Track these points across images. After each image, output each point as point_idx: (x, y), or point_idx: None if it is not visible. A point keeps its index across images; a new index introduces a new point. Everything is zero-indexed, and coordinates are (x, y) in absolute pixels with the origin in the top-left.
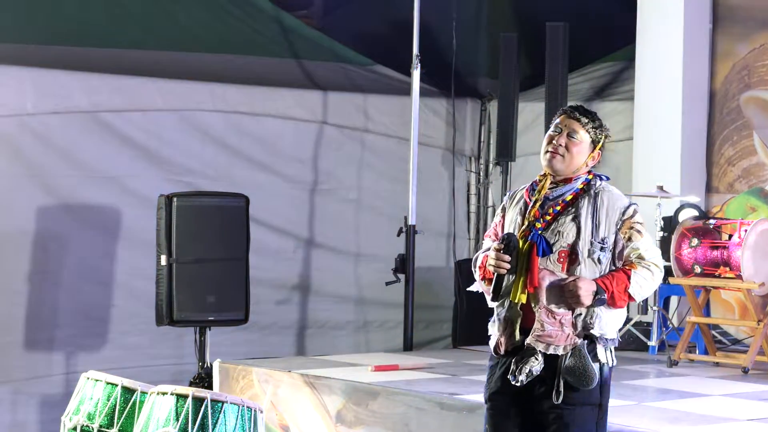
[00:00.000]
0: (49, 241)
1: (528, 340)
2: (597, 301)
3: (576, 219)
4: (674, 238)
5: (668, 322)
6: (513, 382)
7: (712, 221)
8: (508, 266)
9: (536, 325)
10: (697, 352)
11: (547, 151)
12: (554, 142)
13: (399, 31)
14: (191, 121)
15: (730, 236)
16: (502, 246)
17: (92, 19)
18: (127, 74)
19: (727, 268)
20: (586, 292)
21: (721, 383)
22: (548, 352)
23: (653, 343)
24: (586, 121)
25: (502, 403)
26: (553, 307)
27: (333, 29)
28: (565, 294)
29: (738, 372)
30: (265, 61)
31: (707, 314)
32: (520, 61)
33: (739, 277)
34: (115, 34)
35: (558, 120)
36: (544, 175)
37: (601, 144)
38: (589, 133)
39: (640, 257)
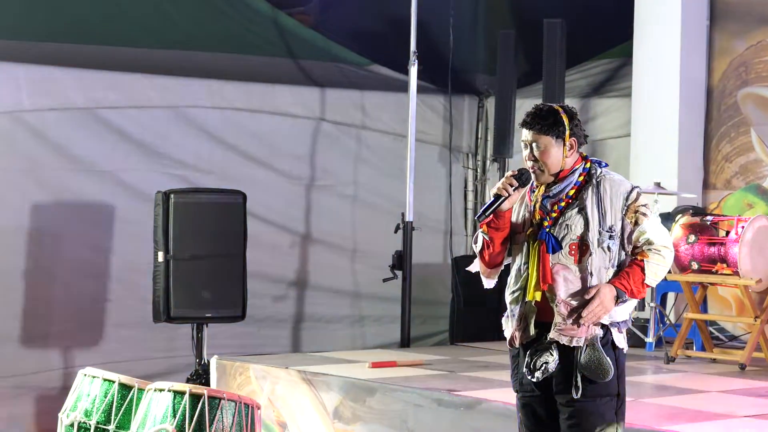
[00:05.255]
0: (45, 236)
1: (551, 335)
2: (620, 303)
3: (582, 211)
4: (672, 234)
5: (665, 319)
6: (529, 377)
7: (709, 218)
8: (511, 193)
9: (557, 319)
10: (695, 348)
11: (528, 168)
12: (527, 159)
13: (396, 28)
14: (188, 118)
15: (728, 233)
16: (516, 173)
17: (89, 17)
18: (123, 71)
19: (725, 265)
20: (610, 300)
21: (718, 379)
22: (572, 345)
23: (650, 339)
24: (540, 126)
25: (530, 393)
26: (570, 300)
27: (329, 27)
28: (590, 307)
29: (735, 368)
30: (262, 60)
31: (704, 311)
32: (517, 58)
33: (736, 273)
34: (111, 32)
35: (522, 134)
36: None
37: (568, 132)
38: (548, 134)
39: (649, 242)
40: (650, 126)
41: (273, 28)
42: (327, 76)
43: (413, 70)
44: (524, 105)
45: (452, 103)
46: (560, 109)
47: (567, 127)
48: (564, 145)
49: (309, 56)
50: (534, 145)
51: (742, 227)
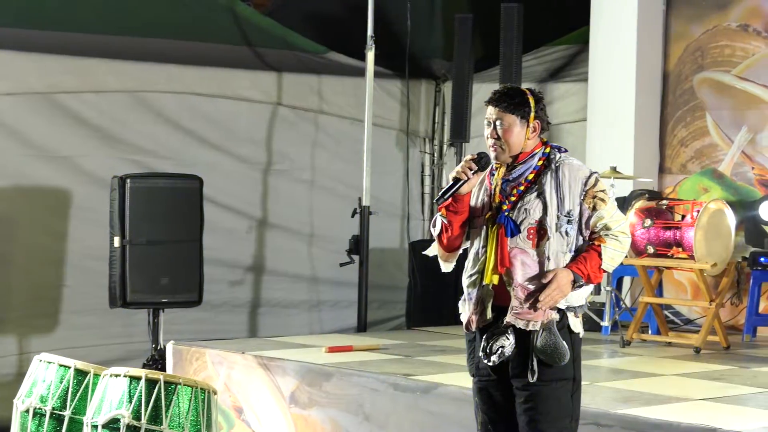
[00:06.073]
0: (1, 222)
1: (507, 319)
2: (576, 287)
3: (541, 195)
4: (627, 218)
5: (621, 303)
6: (485, 361)
7: (664, 202)
8: (470, 177)
9: (513, 303)
10: (650, 332)
11: (488, 146)
12: (489, 137)
13: (353, 13)
14: (145, 102)
15: (683, 217)
16: (475, 156)
17: (46, 2)
18: (81, 55)
19: (680, 249)
20: (567, 284)
21: (673, 363)
22: (528, 329)
23: (606, 323)
24: (506, 104)
25: (486, 377)
26: (527, 284)
27: (286, 13)
28: (547, 291)
29: (690, 352)
30: (219, 47)
31: (660, 294)
32: (474, 43)
33: (691, 257)
34: (69, 17)
35: (486, 111)
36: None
37: (533, 114)
38: (514, 113)
39: (607, 227)
40: (606, 111)
41: (229, 16)
42: (284, 62)
43: (370, 55)
44: (481, 89)
45: (409, 87)
46: (527, 92)
47: (532, 109)
48: (528, 126)
49: (266, 44)
50: (498, 122)
51: (698, 211)
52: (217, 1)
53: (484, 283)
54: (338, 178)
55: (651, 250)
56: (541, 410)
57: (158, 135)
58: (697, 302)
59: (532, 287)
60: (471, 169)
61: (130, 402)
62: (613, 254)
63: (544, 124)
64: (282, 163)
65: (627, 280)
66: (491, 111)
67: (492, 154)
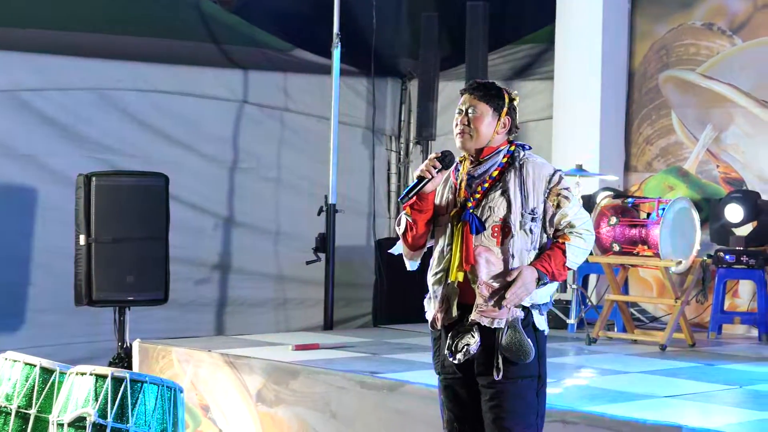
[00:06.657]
0: None
1: (472, 316)
2: (541, 285)
3: (505, 193)
4: (593, 216)
5: (587, 300)
6: (450, 359)
7: (630, 200)
8: (434, 175)
9: (478, 300)
10: (616, 329)
11: (456, 134)
12: (458, 123)
13: (319, 11)
14: (110, 100)
15: (648, 215)
16: (439, 155)
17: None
18: (45, 53)
19: (645, 247)
20: (531, 282)
21: (639, 360)
22: (493, 327)
23: (572, 321)
24: (482, 93)
25: (452, 375)
26: (492, 281)
27: (252, 10)
28: (513, 289)
29: (656, 349)
30: (185, 44)
31: (625, 292)
32: (440, 41)
33: (656, 255)
34: (33, 14)
35: (460, 101)
36: (464, 156)
37: (506, 110)
38: (488, 103)
39: (571, 225)
40: (572, 109)
41: (195, 13)
42: (250, 59)
43: (336, 53)
44: (447, 88)
45: (375, 85)
46: (503, 88)
47: (506, 105)
48: (499, 120)
49: (232, 42)
50: (470, 109)
51: (663, 209)
52: None
53: (449, 280)
54: (304, 175)
55: (616, 247)
56: (506, 408)
57: (123, 133)
58: (663, 300)
59: (496, 285)
60: (435, 168)
61: (96, 400)
62: (577, 252)
63: (514, 122)
64: (248, 161)
65: (593, 278)
66: (465, 99)
67: (458, 142)
